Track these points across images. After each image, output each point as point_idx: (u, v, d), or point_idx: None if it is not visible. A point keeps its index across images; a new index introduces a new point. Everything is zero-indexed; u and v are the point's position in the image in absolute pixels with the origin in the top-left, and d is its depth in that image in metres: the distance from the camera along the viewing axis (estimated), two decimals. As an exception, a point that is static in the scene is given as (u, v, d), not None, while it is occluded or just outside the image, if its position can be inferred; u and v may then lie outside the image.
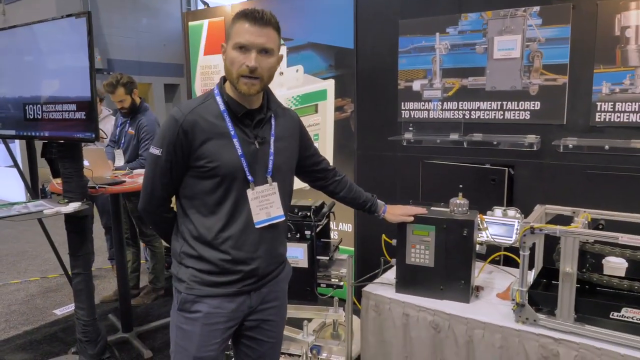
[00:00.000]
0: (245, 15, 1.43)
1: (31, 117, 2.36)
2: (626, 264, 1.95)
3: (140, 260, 3.90)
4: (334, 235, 3.58)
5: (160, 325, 3.29)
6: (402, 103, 3.18)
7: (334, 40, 3.42)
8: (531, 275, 1.92)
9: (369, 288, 2.07)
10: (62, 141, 2.31)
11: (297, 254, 2.20)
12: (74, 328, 2.62)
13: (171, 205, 1.61)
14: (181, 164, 1.47)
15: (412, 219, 1.91)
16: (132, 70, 12.17)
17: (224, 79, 1.54)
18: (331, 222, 3.54)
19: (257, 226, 1.52)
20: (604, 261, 1.97)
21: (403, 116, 3.19)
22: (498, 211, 2.23)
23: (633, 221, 1.85)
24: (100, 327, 2.64)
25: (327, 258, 2.27)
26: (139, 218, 3.52)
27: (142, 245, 3.91)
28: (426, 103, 3.09)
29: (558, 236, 1.63)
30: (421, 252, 1.92)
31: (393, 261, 2.05)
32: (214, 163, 1.45)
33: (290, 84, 3.65)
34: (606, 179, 2.53)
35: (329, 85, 3.50)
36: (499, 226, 2.16)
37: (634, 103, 2.43)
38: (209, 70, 4.16)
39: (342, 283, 2.28)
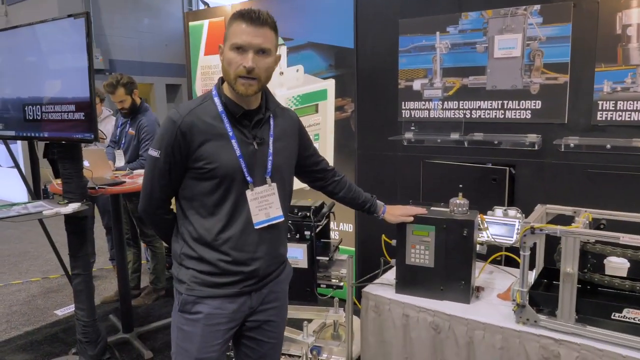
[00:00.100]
0: (242, 15, 1.42)
1: (30, 118, 2.35)
2: (628, 264, 1.94)
3: (141, 260, 3.90)
4: (334, 235, 3.57)
5: (161, 326, 3.29)
6: (403, 102, 3.17)
7: (334, 40, 3.41)
8: (532, 276, 1.91)
9: (368, 289, 2.06)
10: (64, 142, 2.31)
11: (296, 254, 2.19)
12: (74, 328, 2.62)
13: (171, 207, 1.60)
14: (180, 165, 1.47)
15: (411, 219, 1.90)
16: (134, 70, 12.18)
17: (221, 80, 1.54)
18: (332, 222, 3.54)
19: (256, 227, 1.52)
20: (605, 261, 1.96)
21: (403, 116, 3.18)
22: (499, 211, 2.22)
23: (635, 221, 1.84)
24: (100, 327, 2.63)
25: (327, 258, 2.26)
26: (140, 218, 3.52)
27: (143, 245, 3.91)
28: (427, 102, 3.07)
29: (559, 236, 1.61)
30: (421, 252, 1.91)
31: (393, 261, 2.04)
32: (213, 164, 1.44)
33: (290, 83, 3.64)
34: (608, 179, 2.51)
35: (329, 85, 3.49)
36: (499, 226, 2.14)
37: (635, 102, 2.41)
38: (209, 71, 4.15)
39: (342, 284, 2.28)
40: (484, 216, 2.11)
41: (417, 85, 3.09)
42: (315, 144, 3.56)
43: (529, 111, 2.73)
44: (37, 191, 3.27)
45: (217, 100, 1.51)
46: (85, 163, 2.88)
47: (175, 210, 1.60)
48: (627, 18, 2.38)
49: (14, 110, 2.42)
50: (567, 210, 1.94)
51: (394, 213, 1.92)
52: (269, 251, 1.57)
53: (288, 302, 1.77)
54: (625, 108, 2.44)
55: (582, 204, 1.97)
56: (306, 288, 2.23)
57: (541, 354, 1.62)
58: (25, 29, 2.28)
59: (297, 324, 2.45)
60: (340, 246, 2.47)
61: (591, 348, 1.54)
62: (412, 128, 3.12)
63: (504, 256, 2.25)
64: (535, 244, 1.80)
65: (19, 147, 7.49)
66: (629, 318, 1.55)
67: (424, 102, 3.09)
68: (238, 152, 1.48)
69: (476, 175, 2.85)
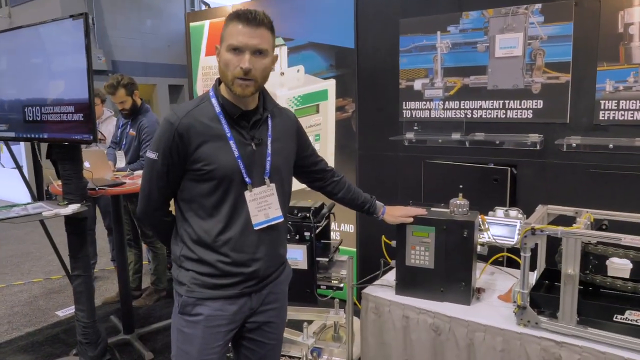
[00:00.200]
0: (238, 16, 1.42)
1: (30, 119, 2.36)
2: (631, 265, 1.91)
3: (142, 261, 3.90)
4: (335, 235, 3.55)
5: (162, 327, 3.28)
6: (404, 102, 3.16)
7: (335, 40, 3.40)
8: (533, 277, 1.89)
9: (368, 290, 2.05)
10: (66, 143, 2.30)
11: (296, 255, 2.18)
12: (75, 329, 2.62)
13: (169, 209, 1.60)
14: (178, 167, 1.46)
15: (411, 220, 1.89)
16: (136, 71, 12.20)
17: (218, 81, 1.53)
18: (333, 223, 3.52)
19: (255, 228, 1.51)
20: (608, 262, 1.94)
21: (404, 116, 3.16)
22: (500, 211, 2.20)
23: (637, 221, 1.82)
24: (101, 329, 2.63)
25: (327, 259, 2.25)
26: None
27: (144, 246, 3.91)
28: (428, 102, 3.06)
29: (560, 237, 1.59)
30: (421, 253, 1.89)
31: (393, 263, 2.02)
32: (211, 166, 1.44)
33: (291, 84, 3.63)
34: (610, 178, 2.49)
35: (330, 85, 3.48)
36: (500, 227, 2.12)
37: (638, 101, 2.39)
38: (210, 71, 4.15)
39: (342, 285, 2.26)
40: (485, 217, 2.09)
41: (418, 85, 3.08)
42: (316, 145, 3.60)
43: (531, 111, 2.71)
44: (39, 192, 3.28)
45: (214, 101, 1.50)
46: (86, 164, 2.88)
47: (173, 213, 1.60)
48: (629, 16, 2.36)
49: (14, 111, 2.43)
50: (568, 210, 1.92)
51: (394, 214, 1.90)
52: (269, 252, 1.56)
53: (288, 304, 1.77)
54: (627, 107, 2.42)
55: (584, 204, 1.95)
56: (306, 289, 2.21)
57: (542, 356, 1.61)
58: (25, 30, 2.28)
59: (298, 326, 2.44)
60: (341, 247, 2.46)
61: (593, 350, 1.53)
62: (415, 128, 3.10)
63: (506, 257, 2.23)
64: (536, 244, 1.79)
65: (22, 148, 7.52)
66: (631, 320, 1.53)
67: (425, 102, 3.07)
68: (236, 153, 1.47)
69: (477, 176, 2.83)
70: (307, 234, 2.20)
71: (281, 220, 1.58)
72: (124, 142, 3.61)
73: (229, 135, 1.47)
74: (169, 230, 1.60)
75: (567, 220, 1.86)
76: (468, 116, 2.92)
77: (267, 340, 1.65)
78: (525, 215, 2.15)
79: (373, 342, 2.01)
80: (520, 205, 2.41)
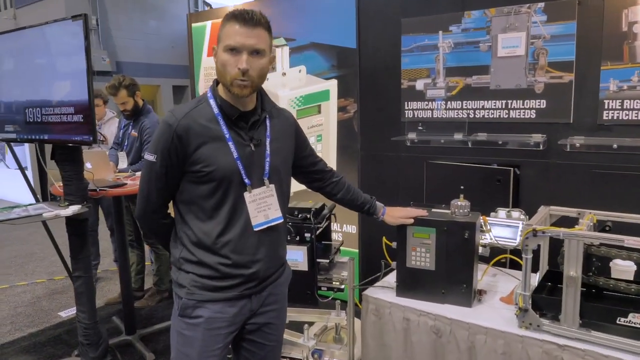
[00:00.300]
0: (235, 16, 1.41)
1: (31, 120, 2.36)
2: (634, 267, 1.89)
3: (144, 262, 3.90)
4: (337, 236, 3.54)
5: (164, 328, 3.28)
6: (406, 103, 3.14)
7: (336, 40, 3.39)
8: (536, 279, 1.87)
9: (369, 292, 2.04)
10: (70, 144, 2.30)
11: (296, 256, 2.17)
12: (77, 330, 2.63)
13: (168, 211, 1.59)
14: (176, 169, 1.46)
15: (411, 221, 1.87)
16: (140, 72, 12.22)
17: (216, 82, 1.53)
18: (335, 224, 3.53)
19: (255, 229, 1.50)
20: (611, 264, 1.91)
21: (406, 116, 3.15)
22: (502, 212, 2.18)
23: (641, 223, 1.79)
24: (102, 330, 2.63)
25: (328, 261, 2.23)
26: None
27: (146, 247, 3.91)
28: (430, 102, 3.04)
29: (562, 239, 1.57)
30: (422, 255, 1.87)
31: (394, 264, 2.01)
32: (210, 167, 1.43)
33: (293, 84, 3.62)
34: (614, 179, 2.46)
35: (332, 85, 3.47)
36: (502, 228, 2.10)
37: (642, 100, 2.36)
38: (212, 72, 4.15)
39: (343, 286, 2.25)
40: (487, 218, 2.08)
41: (420, 85, 3.06)
42: (318, 145, 3.59)
43: (534, 111, 2.68)
44: (44, 193, 3.28)
45: (212, 102, 1.50)
46: (88, 165, 2.89)
47: (172, 215, 1.59)
48: (633, 15, 2.33)
49: (16, 112, 2.43)
50: (571, 211, 1.90)
51: (394, 215, 1.89)
52: (269, 253, 1.56)
53: (288, 305, 1.76)
54: (632, 107, 2.39)
55: (588, 205, 1.93)
56: (306, 291, 2.20)
57: (544, 359, 1.59)
58: (25, 31, 2.28)
59: (298, 327, 2.43)
60: (343, 248, 2.45)
61: (595, 354, 1.50)
62: (420, 128, 3.08)
63: (509, 258, 2.21)
64: (539, 246, 1.77)
65: (26, 149, 7.55)
66: (634, 323, 1.51)
67: (427, 102, 3.05)
68: (235, 155, 1.47)
69: (480, 176, 2.81)
70: (307, 235, 2.19)
71: (281, 221, 1.58)
72: (125, 143, 3.61)
73: (227, 136, 1.47)
74: (167, 232, 1.59)
75: (570, 221, 1.84)
76: (470, 116, 2.90)
77: (267, 341, 1.65)
78: (527, 216, 2.12)
79: (373, 344, 2.00)
80: (523, 206, 2.38)
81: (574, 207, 1.92)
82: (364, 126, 3.38)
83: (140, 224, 1.65)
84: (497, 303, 1.89)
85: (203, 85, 4.22)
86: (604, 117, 2.47)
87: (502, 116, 2.79)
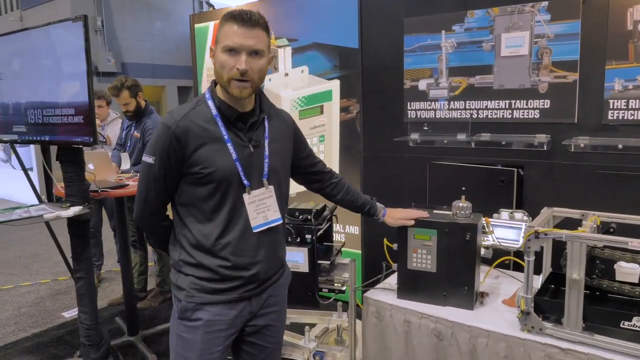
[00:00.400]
0: (233, 17, 1.40)
1: (32, 122, 2.36)
2: (639, 270, 1.86)
3: (147, 263, 3.90)
4: (340, 237, 3.53)
5: (167, 329, 3.22)
6: (408, 103, 3.12)
7: (339, 40, 3.37)
8: (539, 281, 1.85)
9: (369, 294, 2.02)
10: (74, 146, 2.31)
11: (297, 258, 2.16)
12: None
13: (166, 214, 1.59)
14: (175, 171, 1.45)
15: (412, 222, 1.85)
16: (146, 73, 12.29)
17: (214, 83, 1.52)
18: (338, 225, 3.52)
19: (254, 230, 1.50)
20: (616, 266, 1.88)
21: (409, 116, 3.13)
22: (504, 214, 2.15)
23: (646, 224, 1.77)
24: (103, 331, 2.63)
25: (328, 262, 2.22)
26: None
27: (149, 248, 3.91)
28: (432, 103, 3.02)
29: (564, 241, 1.55)
30: (423, 257, 1.86)
31: (395, 266, 1.99)
32: (209, 169, 1.43)
33: (295, 85, 3.61)
34: (619, 180, 2.43)
35: (334, 85, 3.46)
36: (505, 229, 2.08)
37: (648, 100, 2.33)
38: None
39: (344, 288, 2.24)
40: (489, 219, 2.05)
41: (422, 85, 3.04)
42: (321, 146, 3.57)
43: (538, 111, 2.65)
44: (49, 194, 3.28)
45: (210, 103, 1.49)
46: (90, 166, 2.89)
47: (171, 217, 1.59)
48: (639, 13, 2.30)
49: (17, 114, 2.43)
50: (574, 213, 1.87)
51: (395, 216, 1.87)
52: (268, 255, 1.55)
53: (290, 307, 1.75)
54: (637, 107, 2.36)
55: (592, 206, 1.90)
56: (307, 292, 2.19)
57: (547, 363, 1.57)
58: (26, 33, 2.28)
59: (300, 329, 2.41)
60: (346, 249, 2.43)
61: (599, 358, 1.48)
62: (425, 128, 3.05)
63: (512, 260, 2.18)
64: (542, 247, 1.75)
65: (32, 150, 7.59)
66: (638, 327, 1.48)
67: (429, 103, 3.03)
68: (234, 156, 1.46)
69: (484, 177, 2.79)
70: (308, 236, 2.18)
71: (280, 222, 1.57)
72: (128, 144, 3.61)
73: (226, 137, 1.46)
74: (166, 234, 1.59)
75: (574, 223, 1.81)
76: (474, 116, 2.87)
77: (267, 343, 1.64)
78: (530, 218, 2.10)
79: (374, 346, 1.98)
80: (527, 207, 2.36)
81: (579, 208, 1.89)
82: (366, 127, 3.36)
83: (138, 226, 1.65)
84: (499, 306, 1.87)
85: (206, 86, 4.20)
86: (609, 117, 2.44)
87: (505, 116, 2.76)
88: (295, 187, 1.87)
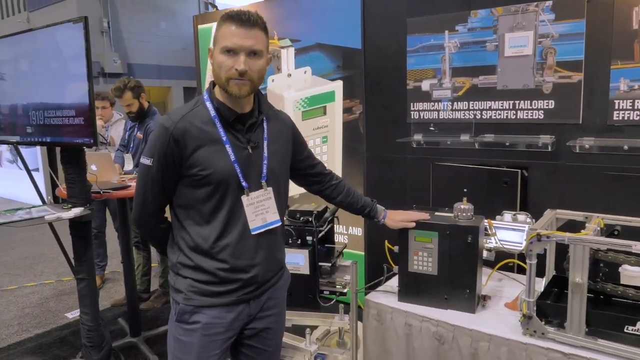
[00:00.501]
0: (232, 17, 1.39)
1: (34, 123, 2.37)
2: (645, 273, 1.83)
3: (150, 264, 3.90)
4: (343, 239, 3.51)
5: (169, 330, 3.27)
6: (411, 103, 3.10)
7: (342, 41, 3.36)
8: (542, 284, 1.82)
9: (370, 296, 2.00)
10: (71, 147, 2.31)
11: (298, 260, 2.14)
12: (82, 332, 2.64)
13: (165, 216, 1.58)
14: (173, 173, 1.44)
15: (413, 224, 1.83)
16: (151, 74, 12.33)
17: (213, 84, 1.51)
18: (341, 226, 3.50)
19: (253, 233, 1.48)
20: (620, 269, 1.86)
21: (412, 117, 3.10)
22: (507, 215, 2.13)
23: (652, 227, 1.74)
24: (105, 332, 2.63)
25: (329, 264, 2.20)
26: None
27: (152, 249, 3.91)
28: (436, 103, 2.99)
29: (567, 244, 1.53)
30: (424, 259, 1.84)
31: (396, 268, 1.97)
32: (207, 170, 1.42)
33: (298, 85, 3.60)
34: (625, 181, 2.40)
35: (337, 86, 3.44)
36: (508, 231, 2.06)
37: (654, 100, 2.29)
38: (218, 73, 4.14)
39: (345, 290, 2.22)
40: (492, 221, 2.03)
41: (425, 85, 3.02)
42: (324, 147, 3.56)
43: (542, 111, 2.62)
44: (55, 195, 3.30)
45: (209, 104, 1.48)
46: (93, 167, 2.89)
47: (169, 219, 1.58)
48: (644, 12, 2.27)
49: (19, 115, 2.44)
50: (578, 215, 1.84)
51: (395, 218, 1.85)
52: (267, 257, 1.54)
53: (290, 309, 1.73)
54: (643, 107, 2.32)
55: (597, 208, 1.88)
56: (308, 295, 2.17)
57: (549, 368, 1.54)
58: (26, 35, 2.29)
59: (301, 331, 2.40)
60: (350, 250, 2.41)
61: (602, 363, 1.46)
62: (431, 128, 3.03)
63: (516, 263, 2.16)
64: (545, 250, 1.72)
65: (37, 151, 7.64)
66: (643, 331, 1.46)
67: (433, 103, 3.01)
68: (232, 157, 1.45)
69: (487, 178, 2.76)
70: (309, 238, 2.16)
71: (279, 224, 1.56)
72: (131, 145, 3.62)
73: (224, 139, 1.45)
74: (164, 237, 1.58)
75: (578, 225, 1.78)
76: (477, 117, 2.85)
77: (266, 346, 1.64)
78: (534, 220, 2.07)
79: (375, 349, 1.97)
80: (532, 208, 2.33)
81: (584, 210, 1.86)
82: (369, 127, 3.34)
83: (137, 228, 1.65)
84: (501, 309, 1.84)
85: (209, 87, 4.21)
86: (615, 118, 2.40)
87: (509, 117, 2.73)
88: (298, 189, 1.86)
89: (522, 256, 2.03)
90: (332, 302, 2.24)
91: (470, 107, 2.86)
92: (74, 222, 2.42)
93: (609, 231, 1.74)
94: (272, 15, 3.65)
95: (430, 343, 1.79)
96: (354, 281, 2.21)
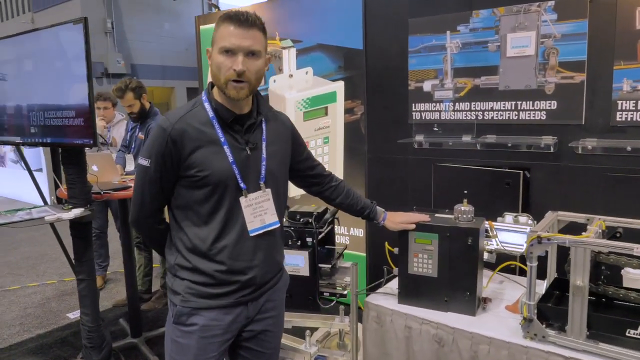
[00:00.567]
0: (230, 17, 1.39)
1: (34, 124, 2.37)
2: (647, 275, 1.81)
3: (152, 264, 3.90)
4: (345, 240, 3.50)
5: (169, 331, 3.27)
6: (413, 104, 3.08)
7: (343, 41, 3.35)
8: (543, 286, 1.81)
9: (370, 298, 1.99)
10: (71, 147, 2.31)
11: (297, 261, 2.13)
12: (83, 333, 2.64)
13: (163, 217, 1.57)
14: (171, 174, 1.44)
15: (413, 226, 1.82)
16: (155, 74, 12.36)
17: (211, 85, 1.50)
18: (343, 227, 3.49)
19: (251, 234, 1.48)
20: (623, 272, 1.83)
21: (414, 118, 3.09)
22: (509, 217, 2.11)
23: (654, 229, 1.72)
24: (105, 333, 2.63)
25: (329, 266, 2.19)
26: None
27: (154, 249, 3.91)
28: (437, 104, 2.98)
29: (567, 246, 1.51)
30: (424, 261, 1.82)
31: (396, 270, 1.96)
32: (205, 172, 1.41)
33: (299, 86, 3.59)
34: (628, 183, 2.38)
35: (339, 87, 3.43)
36: (510, 233, 2.04)
37: (657, 101, 2.27)
38: (220, 74, 4.13)
39: (345, 292, 2.21)
40: (493, 223, 2.01)
41: (427, 86, 3.00)
42: (325, 147, 3.54)
43: (544, 112, 2.61)
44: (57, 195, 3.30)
45: (207, 105, 1.48)
46: (94, 167, 2.90)
47: (167, 220, 1.57)
48: (648, 12, 2.25)
49: (20, 116, 2.44)
50: (579, 217, 1.82)
51: (395, 220, 1.84)
52: (266, 259, 1.53)
53: (291, 311, 1.72)
54: (646, 108, 2.30)
55: (600, 209, 1.87)
56: (308, 296, 2.16)
57: (550, 371, 1.52)
58: (28, 35, 2.29)
59: (301, 333, 2.39)
60: (352, 251, 2.40)
61: (603, 367, 1.44)
62: (435, 129, 3.01)
63: (518, 265, 2.14)
64: (547, 252, 1.71)
65: (41, 151, 7.66)
66: (645, 335, 1.44)
67: (434, 104, 2.99)
68: (230, 159, 1.44)
69: (489, 179, 2.74)
70: (309, 239, 2.15)
71: (277, 226, 1.55)
72: (133, 146, 3.62)
73: (222, 140, 1.45)
74: (162, 238, 1.57)
75: (579, 227, 1.77)
76: (479, 118, 2.83)
77: (264, 349, 1.63)
78: (535, 221, 2.06)
79: (375, 352, 1.95)
80: (534, 210, 2.32)
81: (586, 212, 1.84)
82: (371, 128, 3.33)
83: (134, 229, 1.64)
84: (502, 312, 1.83)
85: (211, 88, 4.21)
86: (617, 119, 2.38)
87: (511, 118, 2.71)
88: (299, 189, 1.85)
89: (523, 258, 2.02)
90: (332, 304, 2.23)
91: (472, 108, 2.84)
92: (74, 223, 2.42)
93: (611, 233, 1.73)
94: (274, 15, 3.65)
95: (430, 346, 1.78)
96: (354, 283, 2.19)
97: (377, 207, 1.87)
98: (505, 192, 2.69)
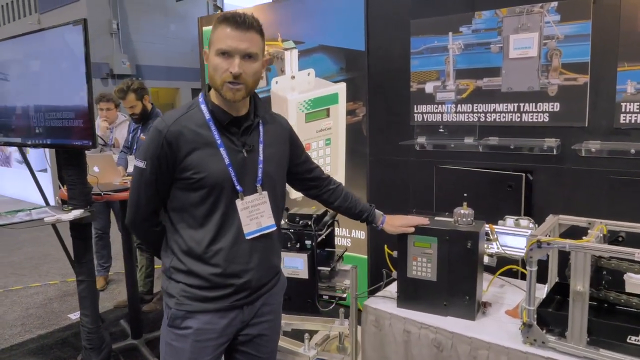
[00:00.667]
0: (227, 19, 1.38)
1: (35, 125, 2.37)
2: (650, 280, 1.78)
3: (154, 265, 3.90)
4: (346, 242, 3.48)
5: (170, 332, 3.26)
6: (415, 106, 3.06)
7: (345, 43, 3.33)
8: (544, 290, 1.78)
9: (369, 302, 1.97)
10: (71, 148, 2.31)
11: (297, 264, 2.12)
12: (83, 334, 2.63)
13: (159, 219, 1.57)
14: (166, 176, 1.43)
15: (412, 229, 1.80)
16: (160, 75, 12.42)
17: (208, 87, 1.50)
18: (344, 229, 3.47)
19: (247, 237, 1.47)
20: (625, 277, 1.81)
21: (416, 119, 3.07)
22: (510, 220, 2.09)
23: (658, 233, 1.69)
24: (105, 334, 2.63)
25: (328, 269, 2.18)
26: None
27: (155, 250, 3.91)
28: (439, 106, 2.96)
29: (568, 251, 1.49)
30: (423, 265, 1.80)
31: (395, 274, 1.94)
32: (201, 174, 1.40)
33: (301, 87, 3.58)
34: (632, 186, 2.35)
35: (341, 88, 3.42)
36: (511, 237, 2.02)
37: (662, 103, 2.24)
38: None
39: (345, 295, 2.19)
40: (494, 226, 1.99)
41: (429, 87, 2.98)
42: (327, 149, 3.53)
43: (547, 114, 2.58)
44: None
45: (203, 107, 1.47)
46: (95, 169, 2.90)
47: (163, 222, 1.57)
48: (652, 14, 2.22)
49: (21, 117, 2.45)
50: (581, 221, 1.80)
51: (394, 223, 1.83)
52: (262, 262, 1.52)
53: (290, 313, 1.71)
54: (650, 110, 2.27)
55: (603, 213, 1.83)
56: (307, 299, 2.15)
57: (549, 378, 1.50)
58: (28, 37, 2.30)
59: (300, 336, 2.38)
60: (353, 254, 2.38)
61: (604, 374, 1.42)
62: (441, 130, 2.99)
63: (519, 269, 2.12)
64: (548, 256, 1.68)
65: (46, 152, 7.69)
66: (646, 342, 1.41)
67: (436, 106, 2.97)
68: (227, 161, 1.43)
69: (491, 182, 2.72)
70: (308, 242, 2.14)
71: (274, 229, 1.54)
72: (135, 147, 3.62)
73: (219, 142, 1.44)
74: (158, 240, 1.57)
75: (580, 232, 1.74)
76: (481, 120, 2.81)
77: (260, 353, 1.62)
78: (536, 225, 2.03)
79: (373, 355, 1.94)
80: (536, 213, 2.29)
81: (589, 215, 1.81)
82: (372, 130, 3.31)
83: (131, 230, 1.64)
84: (502, 316, 1.80)
85: (213, 89, 4.21)
86: (621, 121, 2.36)
87: (514, 120, 2.69)
88: (296, 192, 1.84)
89: (524, 262, 1.99)
90: (331, 307, 2.21)
91: (474, 110, 2.82)
92: (74, 224, 2.43)
93: (613, 237, 1.70)
94: (276, 17, 3.64)
95: (428, 350, 1.76)
96: (354, 286, 2.18)
97: (376, 211, 1.85)
98: (508, 195, 2.67)
